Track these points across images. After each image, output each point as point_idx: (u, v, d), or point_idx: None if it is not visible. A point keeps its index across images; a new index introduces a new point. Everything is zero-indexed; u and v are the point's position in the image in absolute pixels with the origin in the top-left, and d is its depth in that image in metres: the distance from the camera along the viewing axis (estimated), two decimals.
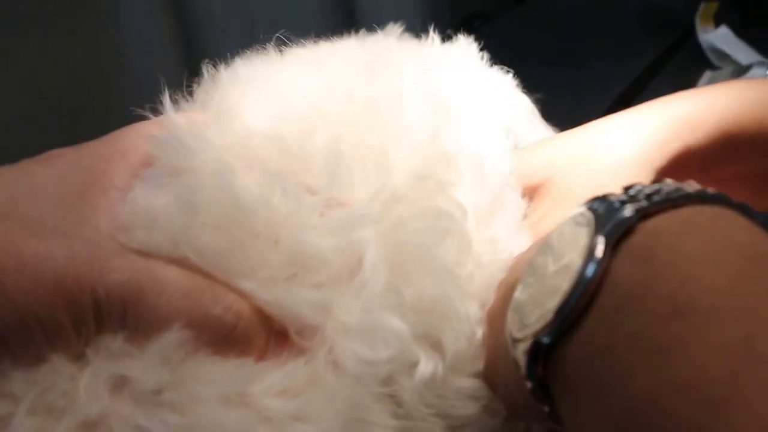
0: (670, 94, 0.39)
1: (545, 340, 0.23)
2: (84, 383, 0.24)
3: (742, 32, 0.85)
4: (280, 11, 0.94)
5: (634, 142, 0.37)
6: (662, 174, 0.37)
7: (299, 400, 0.26)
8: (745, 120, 0.36)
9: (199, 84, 0.35)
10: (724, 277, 0.20)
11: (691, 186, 0.24)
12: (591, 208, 0.24)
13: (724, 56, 0.84)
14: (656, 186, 0.24)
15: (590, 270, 0.22)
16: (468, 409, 0.30)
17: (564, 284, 0.22)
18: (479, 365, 0.30)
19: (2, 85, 0.69)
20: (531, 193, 0.38)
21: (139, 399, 0.24)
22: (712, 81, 0.82)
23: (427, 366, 0.28)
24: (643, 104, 0.39)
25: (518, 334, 0.24)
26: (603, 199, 0.24)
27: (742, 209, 0.23)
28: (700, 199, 0.23)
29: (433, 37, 0.43)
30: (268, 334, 0.28)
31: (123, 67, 0.81)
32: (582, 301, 0.22)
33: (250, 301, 0.27)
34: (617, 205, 0.23)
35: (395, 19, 0.44)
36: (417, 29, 0.45)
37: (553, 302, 0.23)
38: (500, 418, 0.31)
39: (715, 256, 0.21)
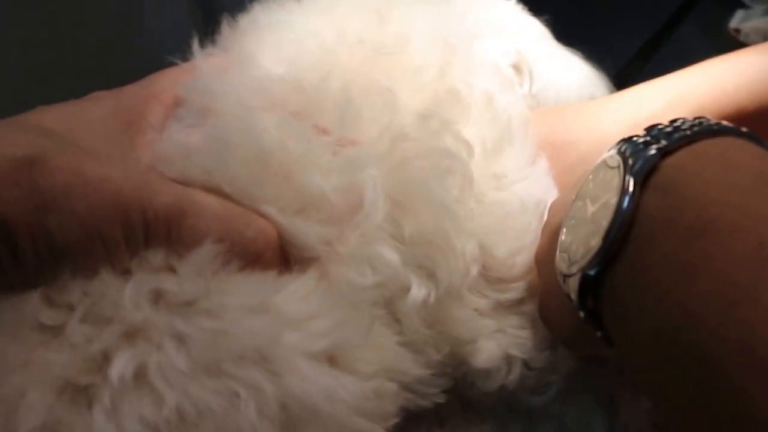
0: (676, 71, 0.39)
1: (592, 272, 0.26)
2: (128, 294, 0.27)
3: None
4: None
5: (642, 110, 0.38)
6: None
7: (313, 301, 0.30)
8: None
9: (220, 31, 0.38)
10: (738, 195, 0.23)
11: (705, 120, 0.27)
12: (619, 152, 0.27)
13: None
14: (676, 124, 0.27)
15: (624, 206, 0.25)
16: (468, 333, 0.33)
17: (603, 222, 0.26)
18: (474, 299, 0.33)
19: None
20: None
21: (174, 309, 0.28)
22: (744, 20, 0.82)
23: (419, 291, 0.32)
24: (647, 83, 0.39)
25: (567, 271, 0.28)
26: (628, 140, 0.27)
27: (750, 137, 0.26)
28: (713, 132, 0.26)
29: None
30: (280, 259, 0.31)
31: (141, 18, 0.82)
32: (620, 234, 0.25)
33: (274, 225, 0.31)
34: (641, 146, 0.26)
35: None
36: None
37: (595, 239, 0.26)
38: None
39: (729, 179, 0.24)
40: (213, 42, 0.38)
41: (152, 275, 0.28)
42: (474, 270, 0.33)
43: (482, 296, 0.34)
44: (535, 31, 0.50)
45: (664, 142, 0.26)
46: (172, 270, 0.28)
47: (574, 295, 0.27)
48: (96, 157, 0.27)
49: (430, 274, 0.32)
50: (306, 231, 0.31)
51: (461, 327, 0.33)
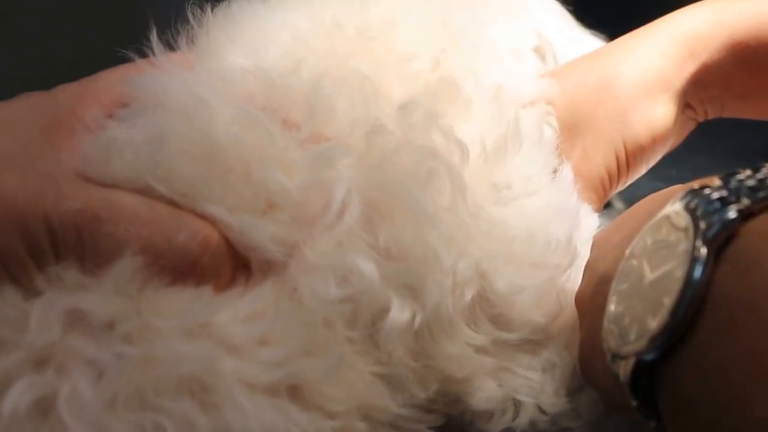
0: (682, 8, 0.39)
1: (649, 357, 0.22)
2: (34, 315, 0.24)
3: None
4: None
5: (651, 66, 0.37)
6: (684, 93, 0.38)
7: (264, 323, 0.26)
8: (757, 29, 0.36)
9: (191, 24, 0.35)
10: None
11: None
12: (687, 207, 0.22)
13: None
14: (759, 175, 0.22)
15: (695, 282, 0.21)
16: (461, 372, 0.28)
17: (666, 298, 0.21)
18: (469, 333, 0.29)
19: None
20: (561, 128, 0.37)
21: (90, 332, 0.24)
22: None
23: (401, 313, 0.27)
24: (654, 21, 0.39)
25: (618, 350, 0.23)
26: (699, 194, 0.23)
27: None
28: None
29: None
30: (234, 265, 0.28)
31: None
32: (688, 316, 0.21)
33: (218, 229, 0.27)
34: (717, 204, 0.22)
35: None
36: None
37: (655, 320, 0.22)
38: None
39: None
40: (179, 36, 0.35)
41: (65, 293, 0.25)
42: (468, 294, 0.28)
43: (480, 331, 0.29)
44: (556, 14, 0.47)
45: (746, 201, 0.21)
46: (89, 287, 0.25)
47: (624, 379, 0.23)
48: None
49: (414, 294, 0.28)
50: (259, 230, 0.27)
51: (453, 363, 0.28)
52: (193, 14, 0.35)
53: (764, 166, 0.23)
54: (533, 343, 0.30)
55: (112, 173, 0.27)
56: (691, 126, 0.41)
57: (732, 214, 0.21)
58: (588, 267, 0.30)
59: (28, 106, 0.29)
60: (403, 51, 0.32)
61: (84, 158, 0.27)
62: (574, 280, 0.31)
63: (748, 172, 0.23)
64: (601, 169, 0.37)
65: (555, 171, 0.34)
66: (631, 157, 0.37)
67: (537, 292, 0.30)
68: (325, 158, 0.28)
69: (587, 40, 0.47)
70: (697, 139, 0.42)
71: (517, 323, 0.29)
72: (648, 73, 0.37)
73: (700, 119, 0.41)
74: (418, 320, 0.27)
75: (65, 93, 0.30)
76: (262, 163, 0.28)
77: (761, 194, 0.21)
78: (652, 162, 0.39)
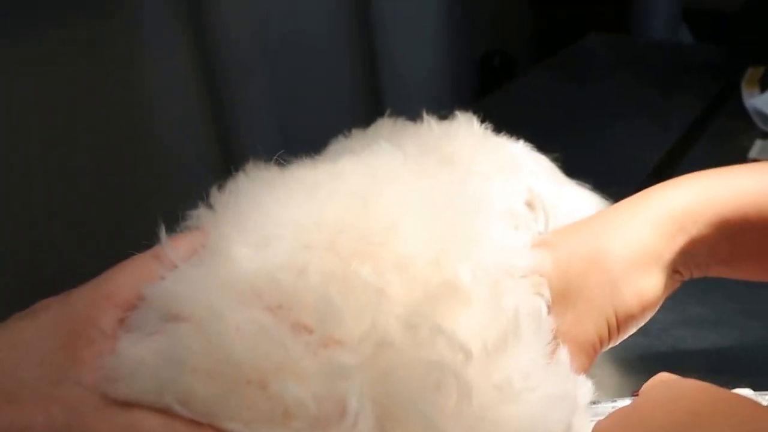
0: (669, 181, 0.42)
1: None
2: None
3: None
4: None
5: (642, 241, 0.39)
6: (673, 264, 0.40)
7: None
8: (743, 207, 0.39)
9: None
10: None
11: None
12: None
13: None
14: None
15: None
16: None
17: None
18: None
19: None
20: (553, 296, 0.39)
21: None
22: (763, 150, 0.81)
23: None
24: (644, 193, 0.42)
25: None
26: None
27: None
28: None
29: (429, 120, 0.45)
30: None
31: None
32: None
33: None
34: None
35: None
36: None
37: None
38: None
39: None
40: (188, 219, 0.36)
41: None
42: None
43: None
44: (544, 167, 0.50)
45: None
46: None
47: None
48: (16, 395, 0.26)
49: None
50: None
51: None
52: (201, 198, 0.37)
53: None
54: None
55: (134, 394, 0.28)
56: (677, 285, 0.43)
57: None
58: None
59: (48, 321, 0.30)
60: (403, 254, 0.34)
61: (105, 378, 0.29)
62: None
63: None
64: (593, 335, 0.39)
65: (552, 353, 0.35)
66: (621, 323, 0.39)
67: None
68: (337, 370, 0.30)
69: (573, 190, 0.50)
70: None
71: None
72: (638, 248, 0.39)
73: (686, 279, 0.43)
74: None
75: (81, 301, 0.31)
76: (277, 375, 0.29)
77: None
78: (642, 323, 0.41)
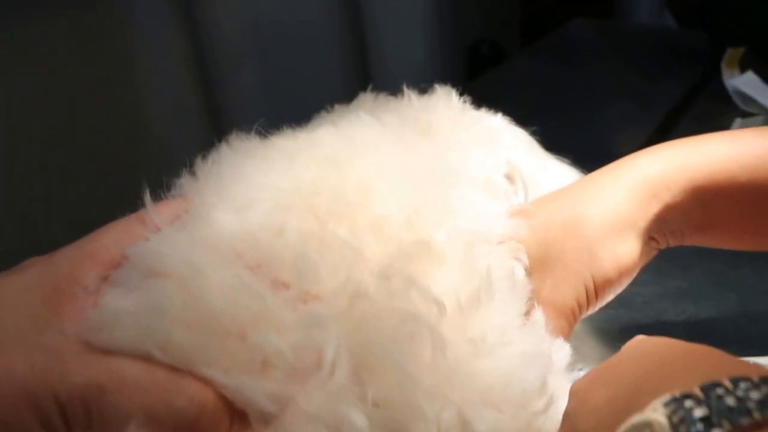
0: (644, 149, 0.43)
1: None
2: None
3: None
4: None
5: (617, 207, 0.40)
6: (649, 230, 0.41)
7: None
8: (717, 175, 0.40)
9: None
10: None
11: None
12: (670, 421, 0.24)
13: (749, 100, 0.85)
14: (739, 393, 0.23)
15: None
16: None
17: None
18: None
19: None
20: (532, 263, 0.40)
21: None
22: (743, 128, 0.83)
23: None
24: (619, 162, 0.43)
25: None
26: (682, 406, 0.24)
27: None
28: None
29: (410, 95, 0.47)
30: (231, 419, 0.30)
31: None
32: None
33: (213, 387, 0.30)
34: (700, 426, 0.23)
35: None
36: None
37: None
38: None
39: None
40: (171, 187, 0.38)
41: None
42: None
43: None
44: (523, 141, 0.50)
45: (727, 426, 0.22)
46: None
47: None
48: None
49: None
50: (254, 389, 0.30)
51: None
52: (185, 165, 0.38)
53: (743, 379, 0.24)
54: None
55: (115, 342, 0.29)
56: (654, 253, 0.44)
57: None
58: (567, 418, 0.31)
59: (33, 275, 0.31)
60: (378, 214, 0.35)
61: (88, 328, 0.30)
62: (550, 419, 0.33)
63: (728, 383, 0.24)
64: (572, 300, 0.40)
65: (527, 313, 0.37)
66: (599, 289, 0.40)
67: None
68: (314, 320, 0.31)
69: (552, 164, 0.51)
70: None
71: None
72: (614, 214, 0.40)
73: (662, 247, 0.44)
74: None
75: (65, 259, 0.32)
76: (256, 326, 0.30)
77: (743, 421, 0.22)
78: (620, 290, 0.42)
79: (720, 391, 0.24)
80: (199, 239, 0.33)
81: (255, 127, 0.40)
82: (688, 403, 0.24)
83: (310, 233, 0.34)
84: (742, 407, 0.23)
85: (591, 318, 0.55)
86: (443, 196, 0.39)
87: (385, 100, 0.48)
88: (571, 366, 0.37)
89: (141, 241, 0.33)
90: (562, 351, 0.38)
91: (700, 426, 0.23)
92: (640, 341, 0.31)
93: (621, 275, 0.41)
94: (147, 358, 0.29)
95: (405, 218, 0.35)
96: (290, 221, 0.34)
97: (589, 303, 0.41)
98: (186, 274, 0.32)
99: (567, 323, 0.40)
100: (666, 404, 0.24)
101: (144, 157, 0.83)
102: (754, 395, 0.23)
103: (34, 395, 0.27)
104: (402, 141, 0.42)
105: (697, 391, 0.24)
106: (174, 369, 0.29)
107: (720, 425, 0.23)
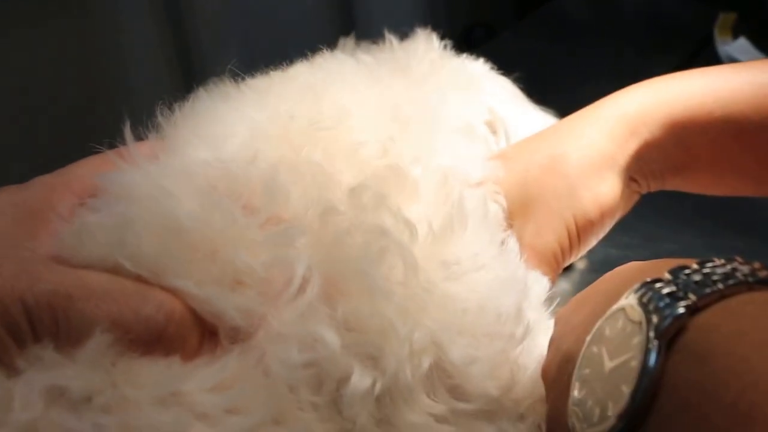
0: (624, 89, 0.43)
1: None
2: (17, 394, 0.26)
3: (761, 44, 0.87)
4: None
5: (596, 145, 0.40)
6: (628, 169, 0.41)
7: (231, 393, 0.28)
8: (694, 110, 0.40)
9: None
10: None
11: (740, 267, 0.25)
12: (641, 302, 0.25)
13: None
14: (705, 270, 0.25)
15: (650, 372, 0.23)
16: None
17: (623, 387, 0.24)
18: (429, 402, 0.31)
19: None
20: (513, 207, 0.41)
21: (70, 406, 0.26)
22: None
23: (362, 380, 0.29)
24: (597, 103, 0.43)
25: (583, 431, 0.26)
26: (651, 288, 0.25)
27: None
28: (748, 285, 0.24)
29: (390, 39, 0.46)
30: (201, 334, 0.30)
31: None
32: (645, 403, 0.23)
33: (182, 299, 0.30)
34: (667, 300, 0.24)
35: (393, 28, 0.47)
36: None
37: (615, 405, 0.24)
38: None
39: None
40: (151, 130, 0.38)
41: (44, 371, 0.27)
42: (425, 363, 0.31)
43: (439, 400, 0.31)
44: (506, 89, 0.50)
45: (692, 297, 0.24)
46: (66, 364, 0.27)
47: None
48: None
49: (374, 362, 0.30)
50: (224, 300, 0.30)
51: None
52: (162, 111, 0.38)
53: (710, 260, 0.25)
54: (489, 413, 0.32)
55: (84, 255, 0.30)
56: (635, 198, 0.44)
57: (680, 309, 0.23)
58: (552, 343, 0.32)
59: (5, 201, 0.31)
60: (352, 140, 0.35)
61: (58, 243, 0.30)
62: (527, 353, 0.33)
63: (695, 265, 0.25)
64: (554, 244, 0.40)
65: (502, 243, 0.36)
66: (581, 231, 0.40)
67: (491, 364, 0.32)
68: (284, 238, 0.31)
69: (536, 115, 0.50)
70: (645, 208, 0.47)
71: (473, 394, 0.31)
72: (593, 153, 0.40)
73: (644, 191, 0.44)
74: (378, 387, 0.29)
75: (40, 184, 0.32)
76: (228, 242, 0.31)
77: (707, 290, 0.24)
78: (602, 234, 0.42)
79: (687, 271, 0.25)
80: (172, 169, 0.34)
81: (228, 67, 0.40)
82: (657, 285, 0.25)
83: (283, 159, 0.34)
84: (707, 280, 0.24)
85: (581, 284, 0.55)
86: (420, 132, 0.39)
87: (366, 47, 0.48)
88: (550, 301, 0.37)
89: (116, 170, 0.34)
90: (539, 284, 0.38)
91: (667, 300, 0.24)
92: (614, 270, 0.32)
93: (603, 216, 0.41)
94: (116, 270, 0.30)
95: (380, 146, 0.36)
96: (264, 149, 0.34)
97: (572, 247, 0.41)
98: (157, 197, 0.32)
99: (551, 269, 0.40)
100: (636, 290, 0.25)
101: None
102: (719, 270, 0.24)
103: (2, 301, 0.27)
104: (377, 76, 0.42)
105: (666, 275, 0.25)
106: (143, 279, 0.30)
107: (686, 297, 0.24)
